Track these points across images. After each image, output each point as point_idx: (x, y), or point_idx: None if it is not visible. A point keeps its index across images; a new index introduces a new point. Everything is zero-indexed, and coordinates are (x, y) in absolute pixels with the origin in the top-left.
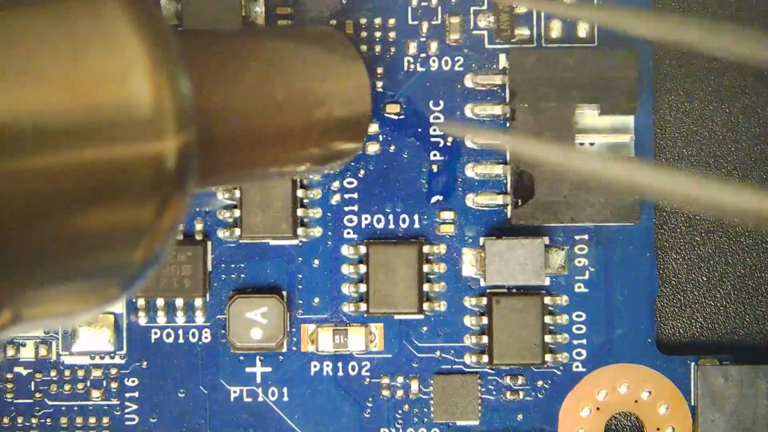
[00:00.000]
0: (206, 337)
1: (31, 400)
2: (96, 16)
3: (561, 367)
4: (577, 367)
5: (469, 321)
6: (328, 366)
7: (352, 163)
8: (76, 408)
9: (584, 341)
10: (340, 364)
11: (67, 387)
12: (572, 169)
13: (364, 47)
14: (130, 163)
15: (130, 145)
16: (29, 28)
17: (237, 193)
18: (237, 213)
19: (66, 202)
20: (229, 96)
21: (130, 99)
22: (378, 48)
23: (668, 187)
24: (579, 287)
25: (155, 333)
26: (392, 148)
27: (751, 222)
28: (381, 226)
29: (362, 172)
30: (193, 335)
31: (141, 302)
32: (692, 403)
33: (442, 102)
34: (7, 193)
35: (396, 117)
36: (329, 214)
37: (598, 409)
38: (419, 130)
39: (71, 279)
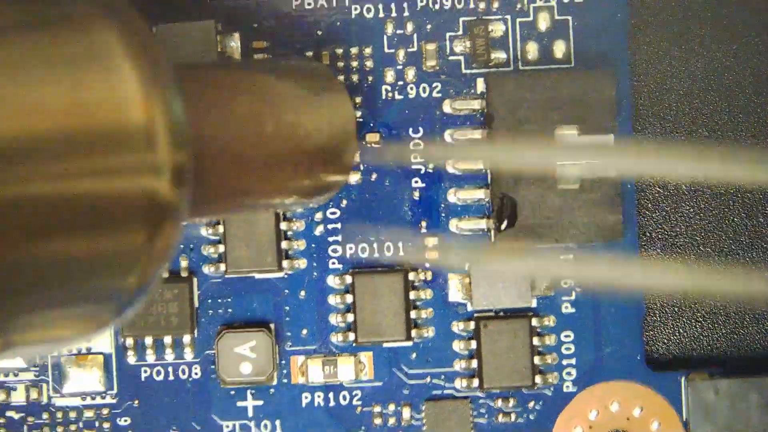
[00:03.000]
0: (196, 373)
1: None
2: (91, 45)
3: (551, 388)
4: (567, 387)
5: (457, 346)
6: (319, 397)
7: None
8: None
9: (573, 361)
10: (331, 395)
11: (59, 429)
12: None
13: (341, 77)
14: (125, 187)
15: (125, 170)
16: (25, 56)
17: (221, 228)
18: (221, 248)
19: (60, 227)
20: (220, 127)
21: (124, 124)
22: (355, 77)
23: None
24: (566, 307)
25: (145, 371)
26: (374, 176)
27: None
28: (366, 255)
29: (345, 201)
30: (183, 372)
31: (129, 341)
32: (684, 418)
33: (421, 129)
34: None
35: (376, 146)
36: (313, 245)
37: (590, 428)
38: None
39: (64, 305)
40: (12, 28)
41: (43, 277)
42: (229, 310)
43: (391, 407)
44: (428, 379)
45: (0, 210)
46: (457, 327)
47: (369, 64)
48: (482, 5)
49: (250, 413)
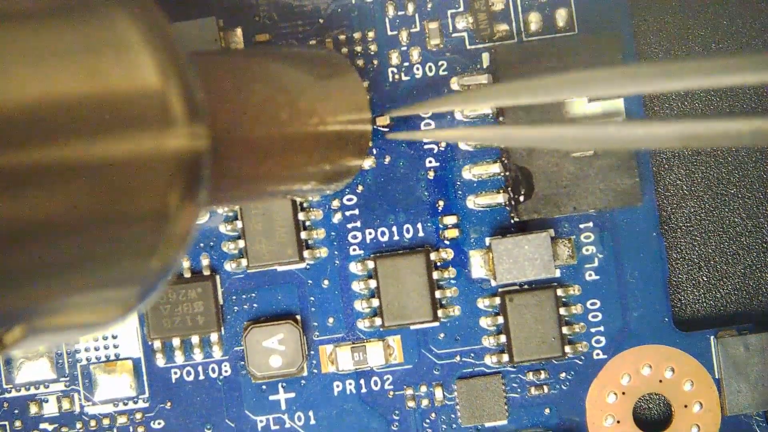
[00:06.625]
0: (226, 371)
1: None
2: (108, 29)
3: (582, 357)
4: (597, 354)
5: (484, 322)
6: (350, 384)
7: None
8: None
9: (602, 328)
10: (362, 381)
11: None
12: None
13: None
14: (145, 152)
15: (144, 135)
16: (47, 41)
17: (239, 224)
18: (241, 243)
19: (82, 195)
20: (236, 115)
21: (141, 94)
22: (361, 62)
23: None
24: (590, 275)
25: (175, 373)
26: (387, 159)
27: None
28: (386, 238)
29: (360, 187)
30: (213, 370)
31: (157, 344)
32: (716, 376)
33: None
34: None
35: (387, 129)
36: (333, 233)
37: (623, 393)
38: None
39: (87, 288)
40: (35, 15)
41: (65, 258)
42: (254, 305)
43: (423, 389)
44: (458, 358)
45: (24, 179)
46: (483, 303)
47: (373, 47)
48: None
49: (283, 406)
